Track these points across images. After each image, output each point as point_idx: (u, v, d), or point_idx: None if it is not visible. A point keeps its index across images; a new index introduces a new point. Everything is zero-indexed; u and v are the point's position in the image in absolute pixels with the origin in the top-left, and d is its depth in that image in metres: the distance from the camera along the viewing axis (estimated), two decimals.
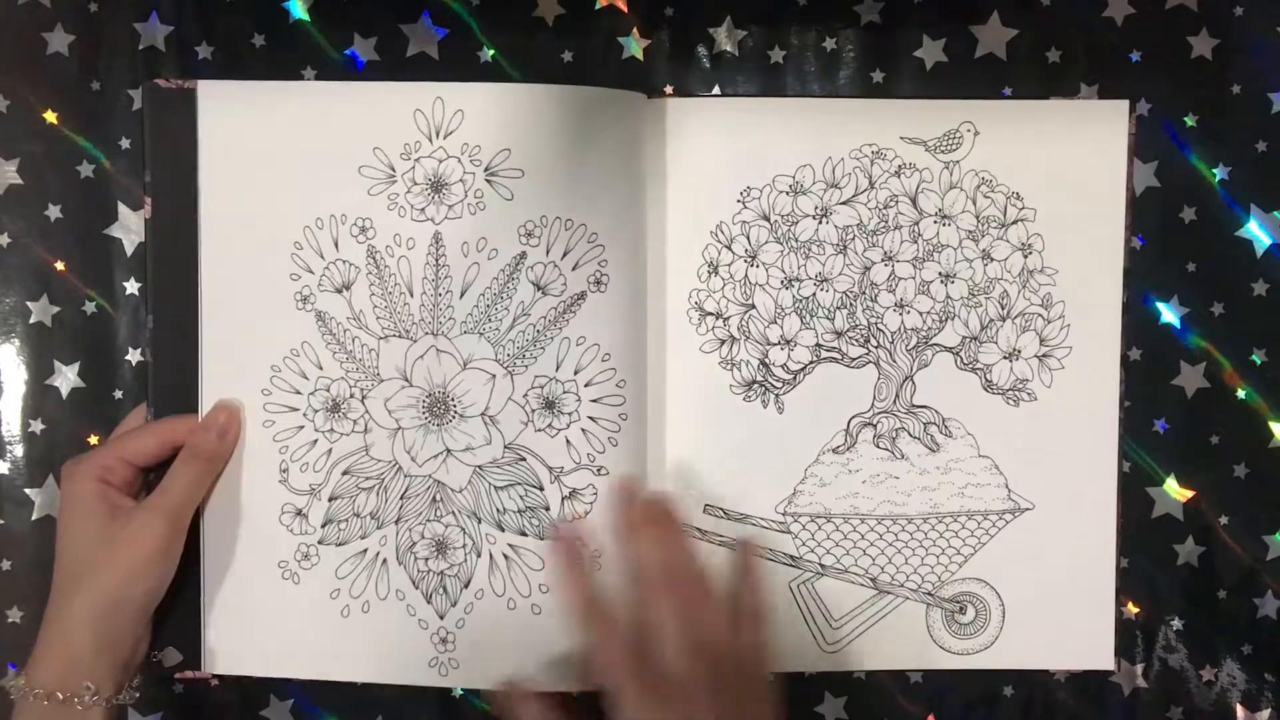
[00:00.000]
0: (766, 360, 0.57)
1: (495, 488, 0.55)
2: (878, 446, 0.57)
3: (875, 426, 0.57)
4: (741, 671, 0.48)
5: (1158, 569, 0.58)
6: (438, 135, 0.54)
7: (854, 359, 0.57)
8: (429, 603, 0.55)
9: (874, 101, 0.57)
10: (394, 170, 0.54)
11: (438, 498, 0.55)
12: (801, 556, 0.57)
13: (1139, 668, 0.59)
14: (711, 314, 0.57)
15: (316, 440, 0.55)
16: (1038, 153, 0.56)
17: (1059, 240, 0.57)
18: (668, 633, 0.47)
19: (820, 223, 0.57)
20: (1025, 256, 0.57)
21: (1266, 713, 0.59)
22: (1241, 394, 0.58)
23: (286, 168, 0.54)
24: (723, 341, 0.57)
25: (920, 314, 0.57)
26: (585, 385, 0.54)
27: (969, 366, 0.57)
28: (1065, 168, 0.56)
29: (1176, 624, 0.59)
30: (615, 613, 0.49)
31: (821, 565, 0.57)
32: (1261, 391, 0.58)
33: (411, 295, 0.54)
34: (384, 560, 0.55)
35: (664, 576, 0.48)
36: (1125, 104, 0.56)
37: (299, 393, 0.55)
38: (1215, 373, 0.58)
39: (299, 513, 0.55)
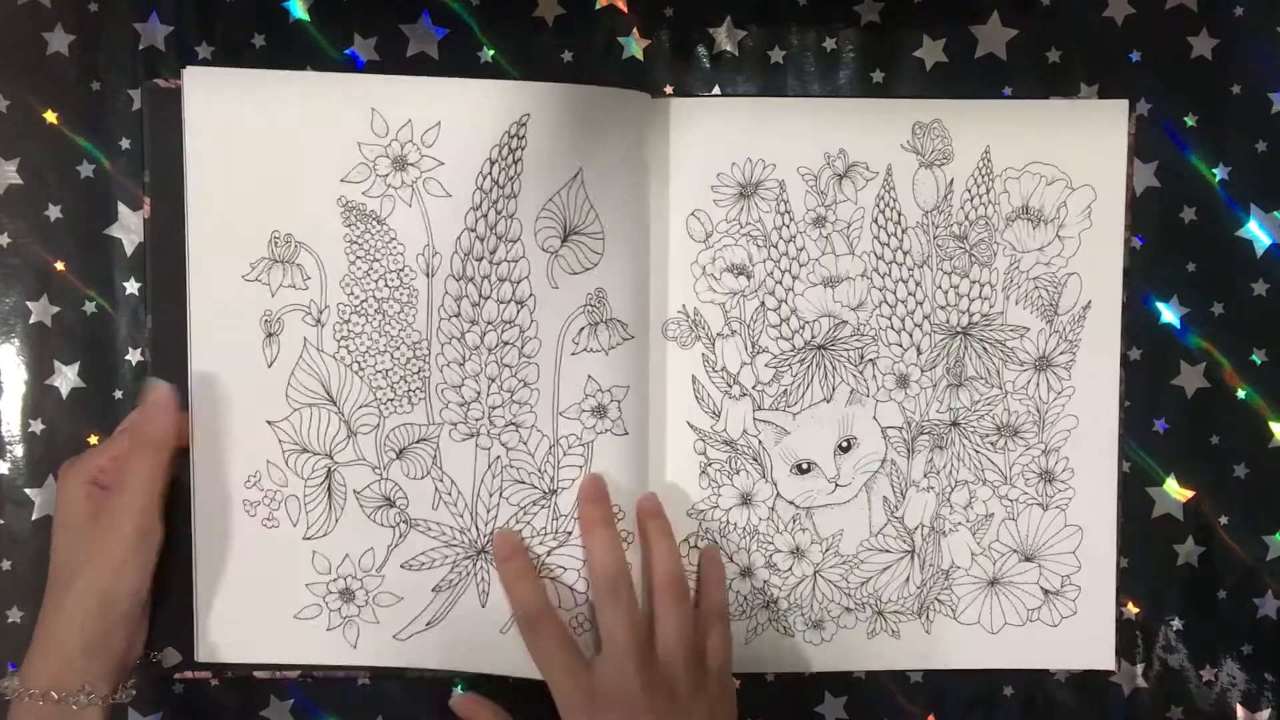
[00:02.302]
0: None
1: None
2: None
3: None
4: (715, 669, 0.53)
5: (1158, 569, 0.58)
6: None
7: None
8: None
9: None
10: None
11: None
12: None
13: (1139, 668, 0.59)
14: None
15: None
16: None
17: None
18: (669, 626, 0.52)
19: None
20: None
21: (1266, 713, 0.59)
22: (1241, 394, 0.58)
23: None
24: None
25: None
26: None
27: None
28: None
29: (1176, 624, 0.59)
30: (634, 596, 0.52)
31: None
32: (1261, 391, 0.58)
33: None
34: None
35: (668, 575, 0.53)
36: (1125, 104, 0.56)
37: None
38: (1215, 373, 0.58)
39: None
